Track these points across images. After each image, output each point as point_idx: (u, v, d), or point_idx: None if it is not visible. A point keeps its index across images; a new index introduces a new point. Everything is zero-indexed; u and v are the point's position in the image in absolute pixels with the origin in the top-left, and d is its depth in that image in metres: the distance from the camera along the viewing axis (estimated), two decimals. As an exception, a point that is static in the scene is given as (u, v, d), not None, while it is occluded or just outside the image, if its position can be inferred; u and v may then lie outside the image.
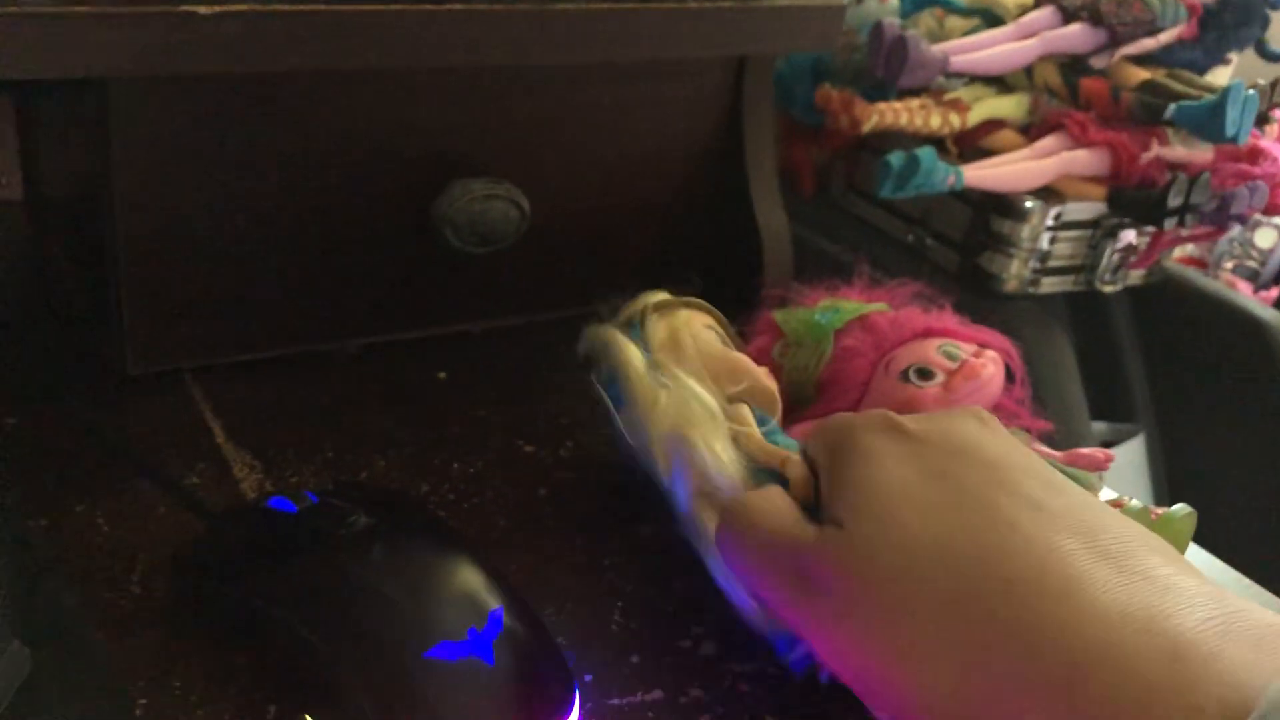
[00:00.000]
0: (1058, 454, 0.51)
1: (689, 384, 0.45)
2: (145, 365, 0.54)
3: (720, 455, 0.41)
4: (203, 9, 0.45)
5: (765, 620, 0.40)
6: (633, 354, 0.46)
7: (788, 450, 0.43)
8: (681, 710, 0.40)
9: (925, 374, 0.52)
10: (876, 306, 0.57)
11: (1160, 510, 0.48)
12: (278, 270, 0.55)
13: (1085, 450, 0.52)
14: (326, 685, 0.36)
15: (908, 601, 0.32)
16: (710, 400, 0.44)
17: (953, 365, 0.52)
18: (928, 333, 0.55)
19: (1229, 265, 1.05)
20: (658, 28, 0.56)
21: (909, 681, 0.32)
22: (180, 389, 0.54)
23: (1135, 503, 0.48)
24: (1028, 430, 0.54)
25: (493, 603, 0.38)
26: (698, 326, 0.50)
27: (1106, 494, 0.53)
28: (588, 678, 0.41)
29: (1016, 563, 0.32)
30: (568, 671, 0.39)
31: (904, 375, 0.52)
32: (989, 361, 0.53)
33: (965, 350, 0.54)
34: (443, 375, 0.58)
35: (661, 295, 0.51)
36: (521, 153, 0.58)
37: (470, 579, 0.39)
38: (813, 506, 0.38)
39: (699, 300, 0.51)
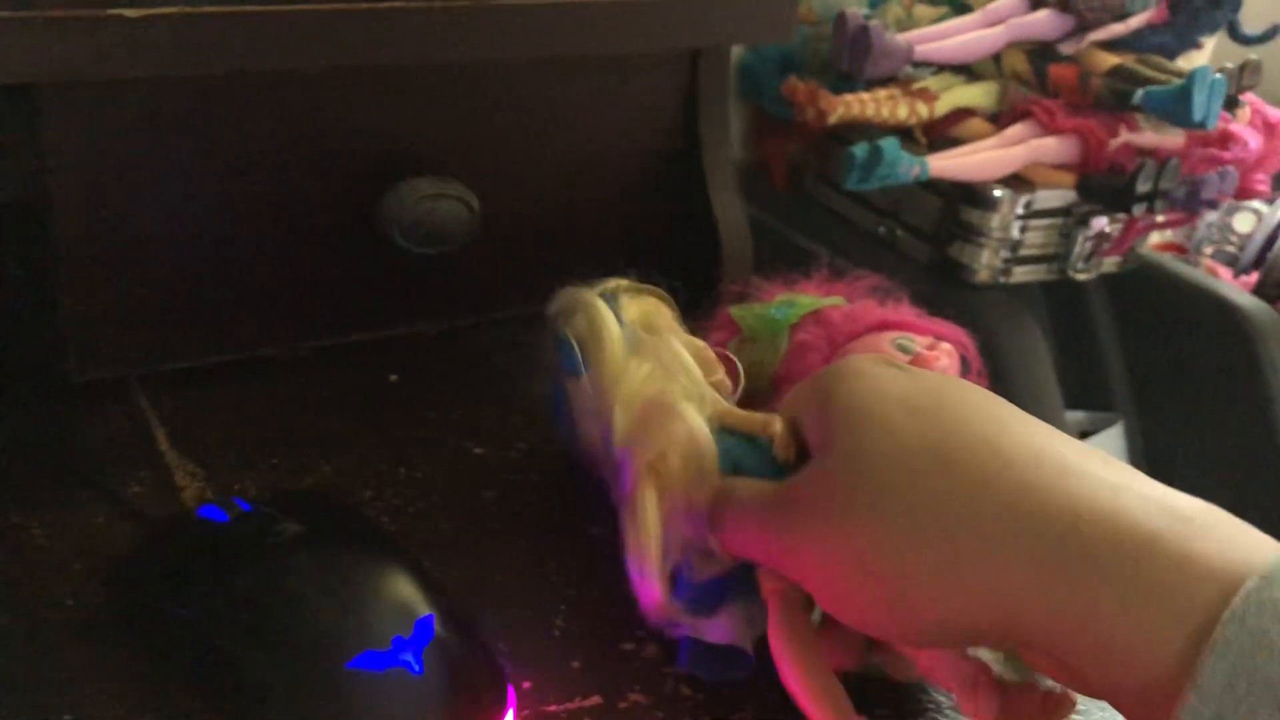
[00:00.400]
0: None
1: (680, 351, 0.44)
2: (89, 372, 0.53)
3: (702, 424, 0.40)
4: (130, 12, 0.44)
5: (669, 609, 0.39)
6: (610, 318, 0.45)
7: (766, 416, 0.42)
8: (620, 715, 0.40)
9: (878, 368, 0.51)
10: (832, 300, 0.56)
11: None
12: (224, 274, 0.54)
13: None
14: (252, 698, 0.36)
15: (902, 492, 0.33)
16: (696, 370, 0.43)
17: (906, 358, 0.52)
18: (882, 326, 0.54)
19: (1209, 251, 1.04)
20: (606, 22, 0.55)
21: (901, 570, 0.32)
22: (126, 396, 0.53)
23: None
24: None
25: (423, 610, 0.37)
26: (667, 314, 0.49)
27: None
28: (526, 684, 0.40)
29: (1012, 448, 0.32)
30: (502, 679, 0.38)
31: (857, 370, 0.51)
32: (943, 354, 0.52)
33: (920, 343, 0.53)
34: (394, 377, 0.57)
35: (628, 281, 0.50)
36: (471, 151, 0.57)
37: (400, 586, 0.38)
38: (793, 469, 0.38)
39: (662, 293, 0.50)
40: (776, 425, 0.40)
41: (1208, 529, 0.29)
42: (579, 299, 0.46)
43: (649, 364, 0.43)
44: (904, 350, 0.52)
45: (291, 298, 0.56)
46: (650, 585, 0.39)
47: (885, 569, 0.33)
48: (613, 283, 0.49)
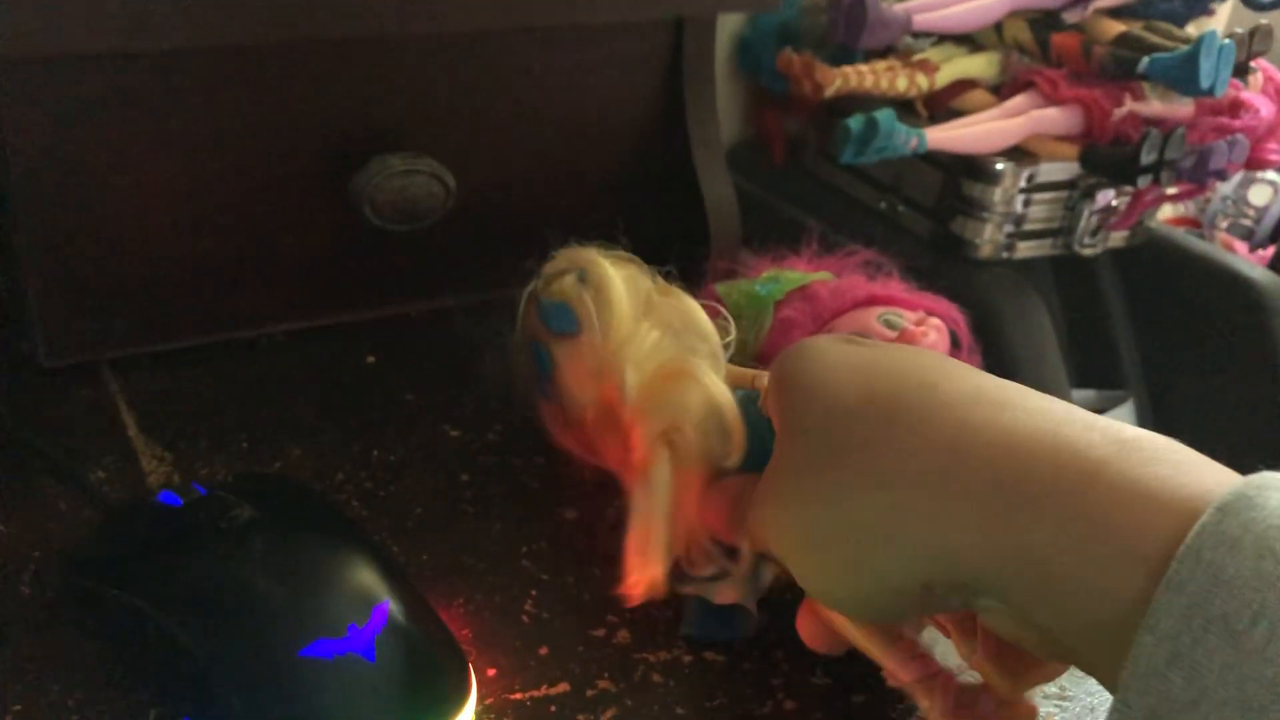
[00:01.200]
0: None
1: (695, 310, 0.42)
2: (60, 358, 0.52)
3: (723, 387, 0.39)
4: (84, -17, 0.43)
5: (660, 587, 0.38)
6: (617, 278, 0.43)
7: (755, 371, 0.41)
8: (587, 703, 0.38)
9: (864, 344, 0.49)
10: (819, 276, 0.55)
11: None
12: (194, 256, 0.53)
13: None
14: (204, 688, 0.35)
15: (845, 449, 0.32)
16: (711, 331, 0.42)
17: (892, 334, 0.50)
18: (870, 301, 0.53)
19: (1224, 224, 1.01)
20: (583, -10, 0.54)
21: (851, 529, 0.31)
22: (97, 381, 0.52)
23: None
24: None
25: (379, 597, 0.36)
26: (646, 281, 0.47)
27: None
28: (491, 671, 0.39)
29: (949, 390, 0.32)
30: (463, 665, 0.37)
31: (842, 346, 0.50)
32: (930, 329, 0.50)
33: (908, 318, 0.52)
34: (371, 359, 0.56)
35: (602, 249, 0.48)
36: (447, 126, 0.56)
37: (357, 573, 0.37)
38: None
39: (638, 259, 0.49)
40: (764, 380, 0.39)
41: (1158, 456, 0.27)
42: (574, 257, 0.45)
43: (660, 327, 0.42)
44: (891, 326, 0.50)
45: (264, 279, 0.55)
46: (650, 559, 0.38)
47: (837, 531, 0.32)
48: (592, 249, 0.48)
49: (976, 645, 0.33)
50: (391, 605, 0.36)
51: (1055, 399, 0.31)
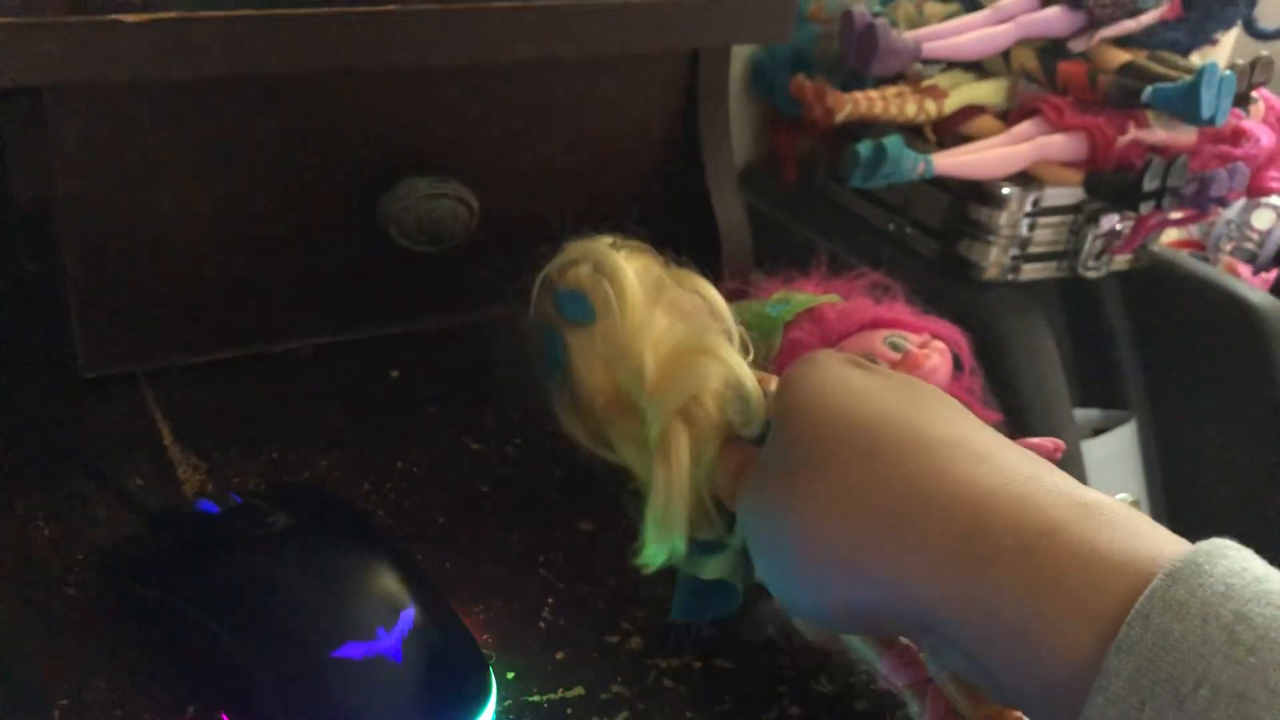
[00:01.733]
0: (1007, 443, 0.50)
1: (710, 290, 0.44)
2: (98, 369, 0.54)
3: (740, 361, 0.41)
4: (129, 18, 0.45)
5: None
6: (627, 266, 0.44)
7: (763, 373, 0.43)
8: (601, 706, 0.40)
9: (869, 366, 0.51)
10: (828, 298, 0.57)
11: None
12: (229, 273, 0.55)
13: (1034, 440, 0.51)
14: (240, 685, 0.37)
15: (827, 469, 0.33)
16: (726, 310, 0.44)
17: (897, 356, 0.52)
18: (875, 324, 0.55)
19: (1227, 247, 1.03)
20: (605, 23, 0.56)
21: (821, 544, 0.33)
22: (133, 391, 0.55)
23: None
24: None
25: (405, 602, 0.38)
26: (658, 269, 0.49)
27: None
28: (509, 675, 0.41)
29: (933, 434, 0.33)
30: (484, 668, 0.39)
31: (849, 367, 0.52)
32: (934, 352, 0.52)
33: (912, 341, 0.53)
34: (396, 374, 0.58)
35: (618, 238, 0.50)
36: (472, 150, 0.58)
37: (385, 579, 0.39)
38: None
39: (651, 248, 0.50)
40: (772, 383, 0.41)
41: (1114, 521, 0.29)
42: (587, 249, 0.46)
43: (673, 312, 0.43)
44: (896, 348, 0.52)
45: (295, 296, 0.57)
46: (670, 529, 0.39)
47: (807, 543, 0.33)
48: (607, 239, 0.49)
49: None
50: (417, 611, 0.38)
51: (1033, 456, 0.33)
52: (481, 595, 0.45)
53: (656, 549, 0.39)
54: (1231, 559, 0.27)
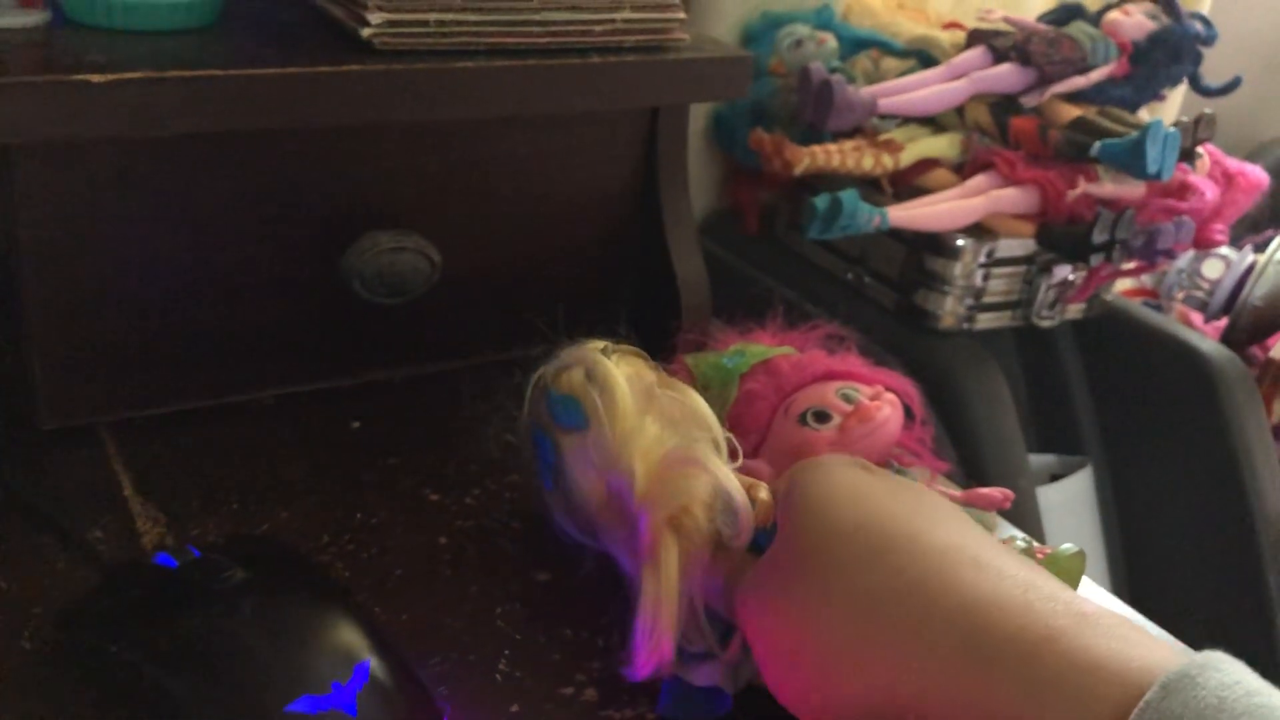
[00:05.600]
0: (957, 493, 0.51)
1: (698, 402, 0.45)
2: (58, 420, 0.55)
3: (729, 472, 0.42)
4: (96, 78, 0.46)
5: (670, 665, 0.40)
6: (618, 374, 0.45)
7: (752, 480, 0.44)
8: (555, 758, 0.41)
9: (822, 417, 0.53)
10: (782, 350, 0.58)
11: (1047, 549, 0.49)
12: (191, 324, 0.56)
13: (984, 490, 0.52)
14: (194, 739, 0.37)
15: (830, 572, 0.35)
16: (714, 421, 0.44)
17: (849, 408, 0.53)
18: (829, 375, 0.56)
19: (1180, 296, 1.05)
20: (565, 82, 0.57)
21: (821, 646, 0.34)
22: (94, 443, 0.55)
23: (1020, 541, 0.49)
24: (930, 470, 0.55)
25: (361, 655, 0.39)
26: (650, 374, 0.50)
27: (1001, 533, 0.53)
28: (464, 727, 0.41)
29: (939, 537, 0.34)
30: (438, 721, 0.40)
31: (802, 418, 0.53)
32: (885, 404, 0.53)
33: (864, 393, 0.55)
34: (357, 424, 0.59)
35: (608, 342, 0.51)
36: (434, 204, 0.59)
37: (341, 632, 0.40)
38: (764, 534, 0.41)
39: (643, 353, 0.51)
40: (762, 493, 0.42)
41: (1112, 631, 0.30)
42: (580, 355, 0.47)
43: (662, 420, 0.44)
44: (847, 400, 0.53)
45: (257, 347, 0.58)
46: (662, 641, 0.40)
47: (808, 643, 0.35)
48: (600, 343, 0.50)
49: None
50: (372, 664, 0.39)
51: (1028, 562, 0.34)
52: (438, 647, 0.45)
53: (645, 660, 0.40)
54: (1225, 672, 0.28)
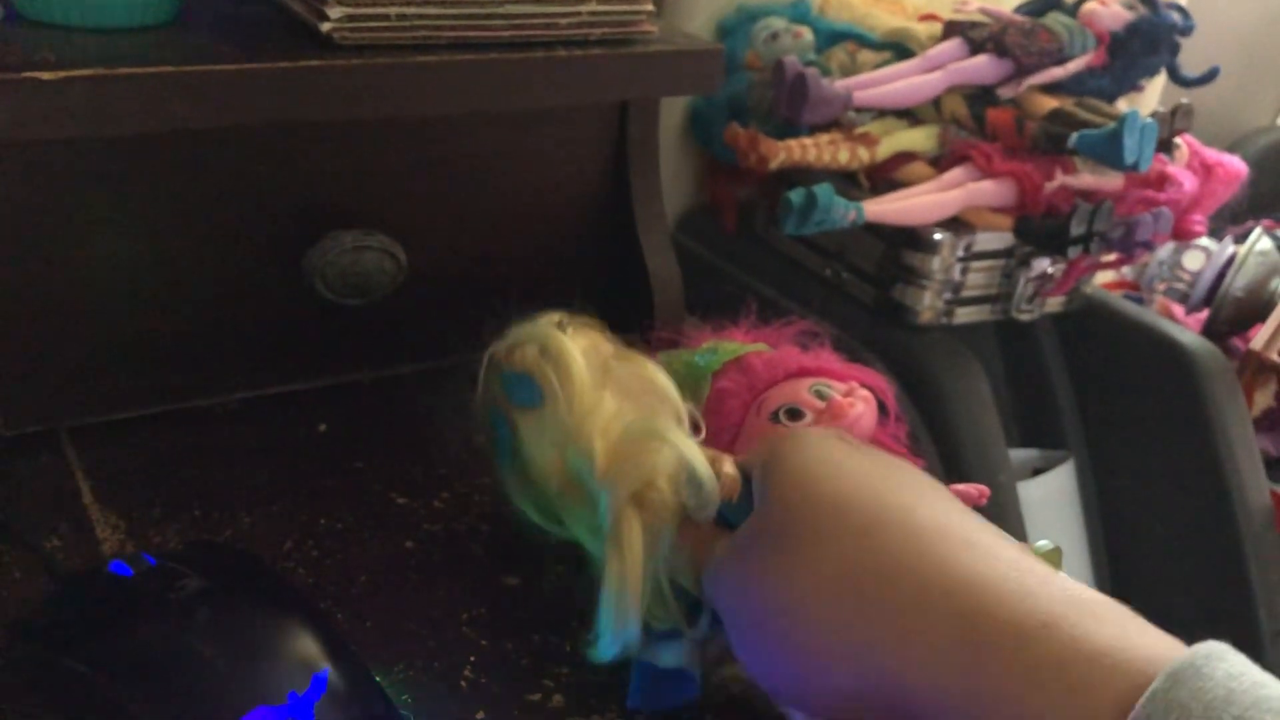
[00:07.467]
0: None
1: (657, 374, 0.44)
2: (17, 426, 0.53)
3: (693, 445, 0.41)
4: (45, 75, 0.45)
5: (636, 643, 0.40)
6: (574, 350, 0.44)
7: (716, 453, 0.43)
8: (521, 766, 0.40)
9: (795, 414, 0.52)
10: (755, 347, 0.57)
11: (1025, 546, 0.48)
12: (152, 327, 0.55)
13: (960, 486, 0.51)
14: (147, 753, 0.36)
15: (816, 547, 0.34)
16: (674, 392, 0.44)
17: (822, 405, 0.52)
18: (801, 372, 0.55)
19: (1160, 288, 1.05)
20: (527, 77, 0.56)
21: (807, 622, 0.33)
22: (54, 449, 0.54)
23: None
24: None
25: (320, 664, 0.38)
26: (608, 346, 0.49)
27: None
28: (427, 736, 0.41)
29: (927, 514, 0.34)
30: (400, 731, 0.39)
31: (775, 416, 0.52)
32: (858, 400, 0.52)
33: (837, 389, 0.54)
34: (324, 428, 0.58)
35: (565, 315, 0.49)
36: (399, 203, 0.58)
37: (299, 640, 0.39)
38: (730, 508, 0.40)
39: (600, 324, 0.50)
40: (727, 465, 0.41)
41: (1110, 618, 0.29)
42: (535, 332, 0.46)
43: (620, 394, 0.43)
44: (821, 396, 0.53)
45: (220, 350, 0.57)
46: (628, 620, 0.39)
47: (793, 620, 0.33)
48: (555, 316, 0.49)
49: None
50: (331, 673, 0.38)
51: (1010, 540, 0.33)
52: (403, 654, 0.44)
53: (611, 640, 0.39)
54: (1230, 662, 0.27)
